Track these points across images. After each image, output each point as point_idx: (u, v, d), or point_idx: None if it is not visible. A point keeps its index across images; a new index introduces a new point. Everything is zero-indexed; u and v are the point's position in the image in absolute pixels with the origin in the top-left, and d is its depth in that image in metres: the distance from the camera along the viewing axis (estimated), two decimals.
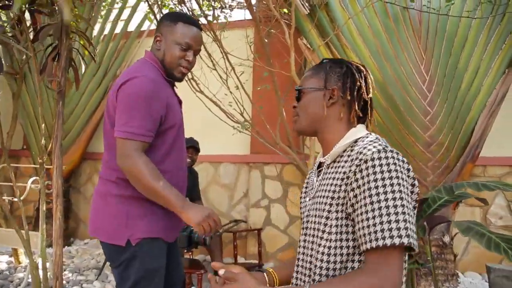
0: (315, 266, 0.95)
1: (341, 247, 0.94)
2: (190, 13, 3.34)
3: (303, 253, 1.03)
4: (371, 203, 0.88)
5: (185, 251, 2.67)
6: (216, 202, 4.60)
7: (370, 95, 1.08)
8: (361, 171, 0.91)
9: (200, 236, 2.65)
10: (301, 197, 1.18)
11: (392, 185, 0.88)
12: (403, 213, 0.85)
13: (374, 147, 0.94)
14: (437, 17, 3.28)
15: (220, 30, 3.44)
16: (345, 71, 1.09)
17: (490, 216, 3.83)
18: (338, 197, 0.95)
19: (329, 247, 0.94)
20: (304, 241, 1.04)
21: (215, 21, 3.46)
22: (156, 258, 1.49)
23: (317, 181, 1.07)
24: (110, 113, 1.50)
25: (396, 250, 0.85)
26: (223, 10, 3.55)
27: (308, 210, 1.06)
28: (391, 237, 0.83)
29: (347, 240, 0.94)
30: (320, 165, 1.10)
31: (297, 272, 1.04)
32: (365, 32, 3.38)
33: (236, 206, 4.58)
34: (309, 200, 1.08)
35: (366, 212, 0.88)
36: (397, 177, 0.89)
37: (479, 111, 3.31)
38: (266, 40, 3.50)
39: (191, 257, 3.00)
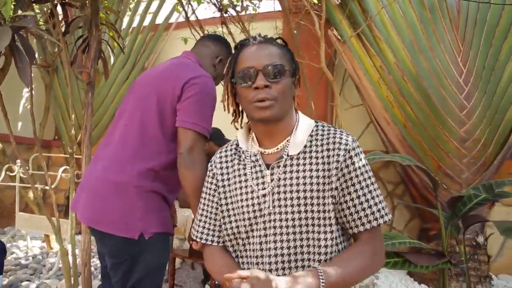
0: (313, 258, 0.94)
1: (338, 235, 0.96)
2: (219, 4, 3.31)
3: (279, 254, 0.95)
4: (362, 188, 0.94)
5: None
6: None
7: None
8: (349, 158, 0.94)
9: None
10: (219, 190, 1.06)
11: (370, 170, 0.97)
12: (380, 194, 0.97)
13: (347, 135, 0.98)
14: (477, 6, 3.12)
15: (249, 22, 3.39)
16: (293, 56, 1.04)
17: None
18: (333, 188, 0.94)
19: (332, 238, 0.94)
20: (274, 234, 0.96)
21: (243, 13, 3.41)
22: (164, 252, 1.50)
23: (273, 174, 0.97)
24: (164, 102, 1.48)
25: (380, 225, 0.97)
26: (252, 1, 3.49)
27: (272, 207, 0.96)
28: (382, 217, 0.95)
29: (337, 224, 0.97)
30: (263, 156, 1.02)
31: (268, 266, 0.97)
32: (399, 22, 3.26)
33: None
34: (262, 195, 0.97)
35: (359, 197, 0.94)
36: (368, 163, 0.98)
37: None
38: (295, 32, 3.42)
39: None
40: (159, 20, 5.04)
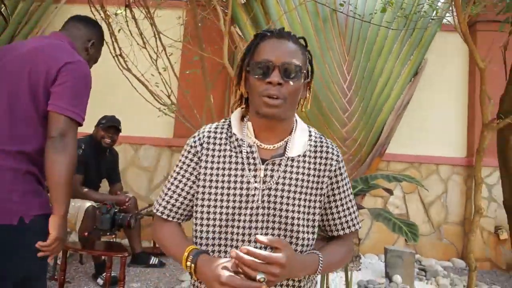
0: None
1: (314, 236, 1.04)
2: None
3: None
4: (346, 197, 1.07)
5: (108, 234, 2.57)
6: (135, 185, 4.46)
7: None
8: (338, 169, 1.05)
9: (124, 217, 2.58)
10: (199, 171, 1.02)
11: (348, 178, 1.10)
12: (355, 204, 1.10)
13: (332, 143, 1.07)
14: (361, 23, 3.58)
15: (155, 8, 3.31)
16: (311, 59, 1.05)
17: (389, 206, 4.34)
18: (323, 194, 1.03)
19: (312, 239, 1.02)
20: (261, 228, 0.98)
21: None
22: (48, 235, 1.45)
23: (268, 170, 0.99)
24: (36, 82, 1.41)
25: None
26: None
27: (261, 201, 0.97)
28: (357, 223, 1.10)
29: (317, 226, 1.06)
30: (259, 149, 1.01)
31: None
32: (296, 28, 3.55)
33: (156, 190, 4.49)
34: (253, 188, 0.98)
35: (342, 205, 1.06)
36: None
37: (388, 113, 3.71)
38: (200, 24, 3.45)
39: (114, 239, 2.89)
40: None
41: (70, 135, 1.39)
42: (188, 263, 0.93)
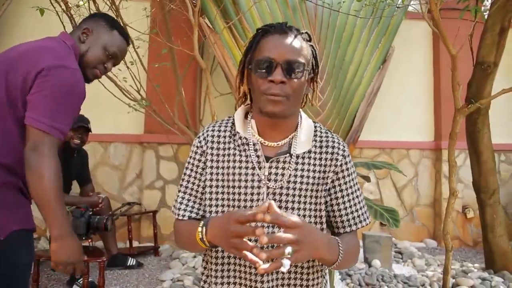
0: None
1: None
2: None
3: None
4: (353, 192, 1.03)
5: (83, 238, 2.45)
6: (106, 184, 4.31)
7: None
8: (345, 164, 1.01)
9: (100, 220, 2.47)
10: (206, 171, 1.01)
11: (356, 176, 1.06)
12: (363, 198, 1.06)
13: (338, 138, 1.04)
14: (330, 12, 3.59)
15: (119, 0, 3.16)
16: (316, 54, 1.01)
17: (363, 192, 4.42)
18: (327, 189, 1.00)
19: None
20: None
21: None
22: (26, 250, 1.34)
23: (272, 167, 0.97)
24: (14, 88, 1.29)
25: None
26: None
27: (268, 200, 0.92)
28: (365, 219, 1.05)
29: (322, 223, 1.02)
30: (262, 147, 0.99)
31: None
32: (266, 18, 3.51)
33: (128, 188, 4.36)
34: (257, 186, 0.97)
35: (350, 200, 1.03)
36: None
37: (359, 100, 3.76)
38: (167, 17, 3.35)
39: (91, 243, 2.77)
40: None
41: (43, 151, 1.24)
42: (199, 229, 0.89)
